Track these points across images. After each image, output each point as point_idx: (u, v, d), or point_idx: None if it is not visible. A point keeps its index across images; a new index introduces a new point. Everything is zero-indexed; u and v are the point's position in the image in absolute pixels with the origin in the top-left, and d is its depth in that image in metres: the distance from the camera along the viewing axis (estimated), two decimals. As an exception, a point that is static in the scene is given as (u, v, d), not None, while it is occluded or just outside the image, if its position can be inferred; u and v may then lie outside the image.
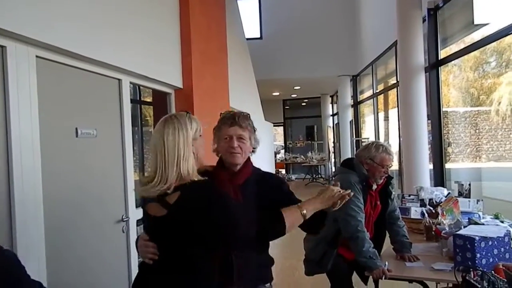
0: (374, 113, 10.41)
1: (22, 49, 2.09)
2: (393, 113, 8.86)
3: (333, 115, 15.94)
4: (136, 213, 3.14)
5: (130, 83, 3.17)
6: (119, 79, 2.98)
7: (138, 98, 4.93)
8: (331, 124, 15.81)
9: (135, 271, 3.07)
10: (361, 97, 11.89)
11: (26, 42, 2.10)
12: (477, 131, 8.16)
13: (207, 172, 1.86)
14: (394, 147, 7.61)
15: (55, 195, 2.31)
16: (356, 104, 12.05)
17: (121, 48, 2.87)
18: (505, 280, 1.91)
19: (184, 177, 1.62)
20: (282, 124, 17.39)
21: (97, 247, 2.69)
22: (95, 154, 2.72)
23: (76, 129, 2.51)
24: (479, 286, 1.96)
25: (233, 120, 1.98)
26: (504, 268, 2.00)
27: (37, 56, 2.19)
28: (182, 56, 3.89)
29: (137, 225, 3.16)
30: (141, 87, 3.82)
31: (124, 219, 2.97)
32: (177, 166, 1.61)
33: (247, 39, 8.58)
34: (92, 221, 2.65)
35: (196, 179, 1.64)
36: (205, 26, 4.43)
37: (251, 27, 11.23)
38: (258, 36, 11.71)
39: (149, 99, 4.95)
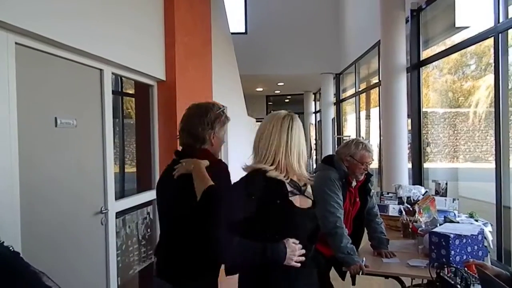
0: (356, 112, 10.52)
1: (1, 35, 2.04)
2: (374, 112, 8.97)
3: (315, 112, 16.05)
4: (116, 205, 3.12)
5: (112, 73, 3.13)
6: (101, 69, 2.94)
7: (120, 90, 4.86)
8: (313, 121, 15.91)
9: (113, 264, 3.05)
10: (343, 95, 12.01)
11: (5, 29, 2.04)
12: (455, 132, 8.32)
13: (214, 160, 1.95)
14: (375, 146, 7.72)
15: (32, 185, 2.27)
16: (339, 102, 12.16)
17: (103, 38, 2.82)
18: (477, 277, 1.96)
19: (300, 172, 1.80)
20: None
21: (74, 239, 2.65)
22: (75, 145, 2.68)
23: (56, 118, 2.46)
24: (452, 282, 2.01)
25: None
26: (475, 264, 2.05)
27: (16, 43, 2.14)
28: (166, 48, 3.85)
29: (116, 218, 3.14)
30: (123, 79, 3.77)
31: (103, 211, 2.93)
32: (298, 162, 1.77)
33: (232, 33, 8.54)
34: (70, 213, 2.62)
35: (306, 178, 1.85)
36: (189, 18, 4.40)
37: (236, 22, 11.18)
38: (243, 31, 11.68)
39: (131, 91, 4.89)
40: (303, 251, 1.75)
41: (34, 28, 2.15)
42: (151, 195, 3.78)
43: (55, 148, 2.49)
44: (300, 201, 1.81)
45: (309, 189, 1.89)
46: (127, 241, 3.36)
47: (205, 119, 1.95)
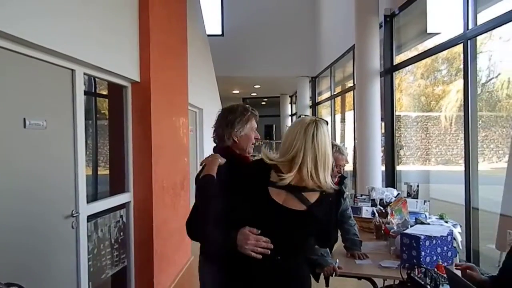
0: (331, 115, 10.64)
1: (-34, 33, 1.98)
2: (349, 115, 9.09)
3: (292, 115, 16.15)
4: (88, 209, 3.05)
5: (85, 74, 3.06)
6: (72, 70, 2.87)
7: (93, 90, 4.77)
8: (289, 124, 16.00)
9: (84, 268, 2.98)
10: (319, 98, 12.13)
11: (-29, 26, 1.98)
12: (427, 135, 8.51)
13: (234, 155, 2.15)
14: (350, 149, 7.82)
15: (-1, 188, 2.21)
16: (315, 105, 12.27)
17: (75, 38, 2.76)
18: (445, 277, 2.01)
19: (321, 182, 1.82)
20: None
21: (43, 243, 2.58)
22: (44, 146, 2.61)
23: (24, 119, 2.39)
24: (422, 282, 2.06)
25: (257, 113, 2.25)
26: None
27: (-17, 42, 2.08)
28: (140, 48, 3.80)
29: (88, 221, 3.07)
30: (97, 79, 3.70)
31: (74, 215, 2.87)
32: (323, 171, 1.82)
33: (208, 35, 8.53)
34: (39, 216, 2.54)
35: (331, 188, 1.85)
36: (165, 19, 4.36)
37: (212, 24, 11.16)
38: (220, 33, 11.66)
39: (106, 92, 4.81)
40: (267, 244, 1.80)
41: (2, 26, 2.09)
42: (124, 197, 3.73)
43: (23, 149, 2.42)
44: (285, 198, 1.83)
45: (311, 196, 1.84)
46: (99, 245, 3.29)
47: (225, 121, 2.18)
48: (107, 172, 4.10)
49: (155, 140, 3.90)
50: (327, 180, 1.84)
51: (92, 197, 3.50)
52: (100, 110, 5.00)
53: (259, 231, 1.83)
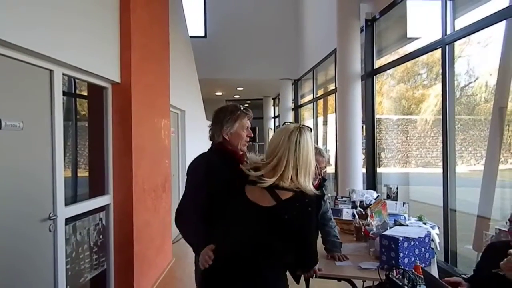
0: (313, 117, 10.71)
1: None
2: (331, 118, 9.16)
3: (274, 117, 16.21)
4: (65, 212, 3.00)
5: (64, 75, 3.02)
6: (50, 70, 2.83)
7: (73, 91, 4.70)
8: (272, 126, 16.06)
9: (62, 272, 2.93)
10: (302, 101, 12.19)
11: None
12: (407, 138, 8.64)
13: (226, 149, 2.31)
14: (332, 151, 7.88)
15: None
16: (297, 108, 12.34)
17: (53, 37, 2.72)
18: (422, 277, 2.04)
19: (301, 185, 1.86)
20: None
21: (19, 247, 2.53)
22: (21, 148, 2.56)
23: (0, 120, 2.35)
24: (400, 283, 2.09)
25: (250, 113, 2.38)
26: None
27: (-43, 40, 2.03)
28: (121, 49, 3.77)
29: (66, 224, 3.02)
30: (77, 80, 3.65)
31: (52, 217, 2.82)
32: (304, 174, 1.87)
33: (191, 37, 8.49)
34: (15, 219, 2.49)
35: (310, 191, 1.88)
36: (146, 20, 4.33)
37: (195, 26, 11.12)
38: (203, 34, 11.63)
39: (86, 93, 4.75)
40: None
41: (-23, 25, 2.05)
42: (104, 200, 3.68)
43: (-1, 151, 2.37)
44: (258, 196, 1.89)
45: (284, 194, 1.87)
46: (78, 248, 3.24)
47: (216, 119, 2.35)
48: (87, 174, 4.04)
49: (136, 141, 3.86)
50: (308, 185, 1.88)
51: (71, 200, 3.45)
52: (80, 111, 4.93)
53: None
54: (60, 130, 2.93)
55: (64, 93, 3.30)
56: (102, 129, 3.74)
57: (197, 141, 8.06)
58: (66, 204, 3.02)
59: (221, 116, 2.34)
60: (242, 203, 1.93)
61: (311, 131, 1.98)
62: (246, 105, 2.71)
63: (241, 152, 2.35)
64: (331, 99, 9.23)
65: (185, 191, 2.31)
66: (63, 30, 2.85)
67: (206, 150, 2.44)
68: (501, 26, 4.11)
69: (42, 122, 2.79)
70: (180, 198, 2.36)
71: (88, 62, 3.20)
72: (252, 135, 2.44)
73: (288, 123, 2.00)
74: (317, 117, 10.60)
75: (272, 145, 1.93)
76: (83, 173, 4.09)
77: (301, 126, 1.95)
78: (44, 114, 2.81)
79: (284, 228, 1.86)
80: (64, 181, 3.00)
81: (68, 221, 3.07)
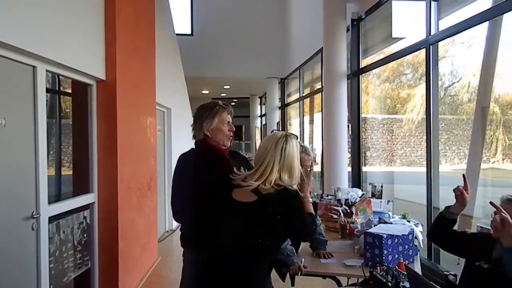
0: (300, 116, 10.75)
1: None
2: (318, 117, 9.21)
3: (261, 116, 16.22)
4: (49, 210, 2.96)
5: (47, 71, 2.98)
6: (33, 66, 2.79)
7: (57, 88, 4.64)
8: (259, 125, 16.07)
9: (45, 271, 2.89)
10: (288, 100, 12.23)
11: None
12: (393, 137, 8.74)
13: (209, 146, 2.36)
14: (319, 150, 7.92)
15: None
16: (284, 106, 12.36)
17: (36, 33, 2.68)
18: (405, 274, 2.07)
19: (284, 183, 2.00)
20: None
21: (1, 245, 2.49)
22: (3, 145, 2.52)
23: (-19, 117, 2.31)
24: (384, 280, 2.11)
25: (230, 108, 2.42)
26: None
27: None
28: (106, 46, 3.73)
29: (49, 223, 2.98)
30: (61, 77, 3.59)
31: (35, 216, 2.78)
32: (288, 177, 2.01)
33: (177, 34, 8.44)
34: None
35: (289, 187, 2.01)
36: (132, 17, 4.29)
37: (182, 23, 11.05)
38: (189, 32, 11.57)
39: (70, 90, 4.69)
40: None
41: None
42: (88, 198, 3.64)
43: (-20, 148, 2.33)
44: (241, 195, 2.04)
45: (266, 190, 2.00)
46: (61, 247, 3.21)
47: (196, 117, 2.41)
48: (71, 172, 4.00)
49: (121, 139, 3.83)
50: (292, 181, 2.03)
51: (55, 198, 3.41)
52: (65, 109, 4.87)
53: None
54: (44, 127, 2.89)
55: (48, 90, 3.25)
56: (87, 126, 3.70)
57: (183, 139, 8.03)
58: (49, 203, 2.98)
59: (200, 113, 2.39)
60: (229, 204, 2.07)
61: (297, 138, 2.12)
62: (233, 103, 2.75)
63: (224, 147, 2.40)
64: (317, 98, 9.27)
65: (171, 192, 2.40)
66: (47, 26, 2.81)
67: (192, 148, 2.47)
68: (484, 27, 4.19)
69: (25, 119, 2.75)
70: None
71: (72, 59, 3.16)
72: (234, 129, 2.46)
73: (275, 131, 2.13)
74: (303, 116, 10.64)
75: (259, 152, 2.08)
76: (67, 171, 4.04)
77: (287, 134, 2.10)
78: (27, 111, 2.76)
79: (269, 221, 1.97)
80: (48, 179, 2.97)
81: (51, 219, 3.03)
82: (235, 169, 2.14)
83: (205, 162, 2.28)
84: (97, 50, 3.63)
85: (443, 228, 2.45)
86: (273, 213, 1.97)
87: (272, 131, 2.16)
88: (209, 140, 2.36)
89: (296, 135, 2.13)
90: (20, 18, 2.51)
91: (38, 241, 2.84)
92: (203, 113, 2.37)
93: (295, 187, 2.04)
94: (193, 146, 2.47)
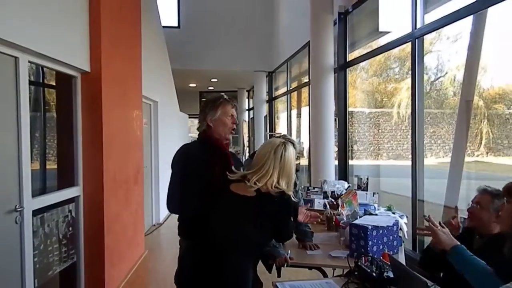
0: (287, 110, 10.76)
1: None
2: (305, 111, 9.23)
3: (249, 109, 16.20)
4: (33, 203, 2.93)
5: (30, 62, 2.92)
6: (15, 57, 2.73)
7: (41, 81, 4.56)
8: (246, 118, 16.06)
9: (29, 265, 2.86)
10: (276, 93, 12.22)
11: None
12: (379, 131, 8.81)
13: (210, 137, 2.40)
14: (306, 143, 7.95)
15: None
16: (271, 100, 12.36)
17: (19, 23, 2.63)
18: (389, 264, 2.10)
19: (282, 188, 2.12)
20: (198, 116, 17.31)
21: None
22: (-15, 138, 2.48)
23: (-38, 109, 2.26)
24: (368, 270, 2.14)
25: (234, 102, 2.51)
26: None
27: None
28: (91, 38, 3.67)
29: (33, 216, 2.95)
30: (45, 69, 3.53)
31: (18, 209, 2.74)
32: (286, 182, 2.14)
33: (164, 27, 8.37)
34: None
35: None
36: (117, 8, 4.24)
37: (168, 15, 10.95)
38: (176, 25, 11.46)
39: (54, 82, 4.62)
40: None
41: None
42: (73, 191, 3.61)
43: (-40, 140, 2.28)
44: (239, 188, 2.16)
45: (262, 188, 2.11)
46: (46, 241, 3.17)
47: (201, 109, 2.48)
48: (56, 166, 3.95)
49: (106, 132, 3.79)
50: (288, 190, 2.15)
51: (40, 192, 3.36)
52: (49, 102, 4.81)
53: None
54: (27, 119, 2.85)
55: (31, 83, 3.20)
56: (71, 119, 3.65)
57: (170, 132, 7.98)
58: (33, 196, 2.95)
59: (205, 105, 2.48)
60: (226, 196, 2.18)
61: (294, 145, 2.24)
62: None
63: (226, 141, 2.48)
64: (305, 91, 9.29)
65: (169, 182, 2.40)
66: (29, 16, 2.76)
67: (180, 141, 2.51)
68: (469, 22, 4.23)
69: (7, 111, 2.70)
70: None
71: (56, 50, 3.11)
72: (238, 122, 2.55)
73: (272, 135, 2.18)
74: (291, 109, 10.66)
75: (259, 156, 2.20)
76: (52, 165, 3.99)
77: (285, 141, 2.21)
78: (9, 103, 2.72)
79: (262, 217, 2.11)
80: (33, 173, 2.93)
81: (35, 213, 2.99)
82: (233, 168, 2.24)
83: (206, 155, 2.32)
84: (82, 41, 3.58)
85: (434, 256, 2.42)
86: (269, 211, 2.11)
87: (270, 135, 2.22)
88: (212, 131, 2.41)
89: (293, 142, 2.25)
90: (2, 8, 2.45)
91: (21, 234, 2.80)
92: (208, 104, 2.45)
93: (290, 193, 2.16)
94: (183, 140, 2.52)
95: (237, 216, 2.14)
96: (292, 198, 2.19)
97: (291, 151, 2.20)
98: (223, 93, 2.53)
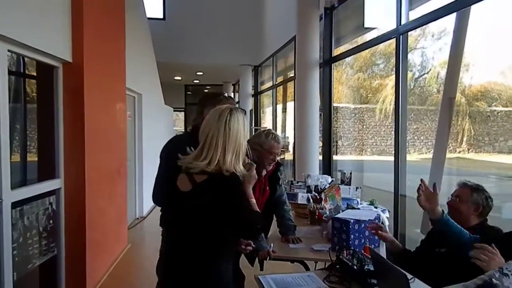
0: (273, 104, 10.77)
1: None
2: (291, 105, 9.25)
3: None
4: (12, 195, 2.87)
5: (9, 51, 2.86)
6: (-6, 46, 2.68)
7: (22, 71, 4.47)
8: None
9: (8, 258, 2.81)
10: (262, 88, 12.21)
11: None
12: (364, 126, 8.89)
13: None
14: (291, 138, 7.98)
15: None
16: (257, 94, 12.35)
17: (-2, 11, 2.57)
18: (370, 257, 2.12)
19: (227, 166, 1.83)
20: (183, 109, 17.19)
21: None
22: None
23: None
24: (350, 263, 2.16)
25: (232, 101, 2.50)
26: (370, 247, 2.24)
27: None
28: (73, 27, 3.60)
29: (12, 208, 2.89)
30: (26, 59, 3.46)
31: (-4, 201, 2.69)
32: (232, 154, 1.84)
33: (149, 18, 8.27)
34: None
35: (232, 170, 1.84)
36: (100, -2, 4.17)
37: (153, 7, 10.81)
38: (161, 16, 11.33)
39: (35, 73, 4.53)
40: None
41: None
42: (54, 184, 3.55)
43: None
44: (182, 181, 1.92)
45: (199, 177, 1.87)
46: (26, 234, 3.12)
47: (199, 103, 2.49)
48: (37, 158, 3.88)
49: (88, 125, 3.74)
50: (236, 165, 1.86)
51: (20, 184, 3.30)
52: (30, 93, 4.72)
53: None
54: (5, 110, 2.78)
55: (11, 73, 3.13)
56: (53, 110, 3.58)
57: (154, 125, 7.91)
58: (12, 188, 2.89)
59: (204, 99, 2.53)
60: (174, 192, 1.94)
61: (245, 113, 1.98)
62: (206, 90, 2.79)
63: None
64: (290, 86, 9.30)
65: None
66: (9, 4, 2.69)
67: (165, 134, 2.55)
68: (452, 19, 4.28)
69: (-15, 101, 2.64)
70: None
71: (36, 39, 3.04)
72: None
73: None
74: (276, 104, 10.66)
75: (202, 126, 1.93)
76: (33, 157, 3.92)
77: (232, 107, 1.96)
78: (-12, 93, 2.65)
79: (202, 212, 1.87)
80: (13, 165, 2.87)
81: (15, 205, 2.94)
82: (187, 149, 1.96)
83: (194, 146, 2.25)
84: (63, 30, 3.51)
85: (403, 258, 2.48)
86: (207, 205, 1.86)
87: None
88: None
89: (244, 110, 2.01)
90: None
91: (1, 227, 2.75)
92: (207, 99, 2.49)
93: (239, 168, 1.88)
94: (167, 133, 2.54)
95: (184, 214, 1.93)
96: (240, 178, 1.89)
97: (239, 118, 1.90)
98: (225, 93, 2.62)
